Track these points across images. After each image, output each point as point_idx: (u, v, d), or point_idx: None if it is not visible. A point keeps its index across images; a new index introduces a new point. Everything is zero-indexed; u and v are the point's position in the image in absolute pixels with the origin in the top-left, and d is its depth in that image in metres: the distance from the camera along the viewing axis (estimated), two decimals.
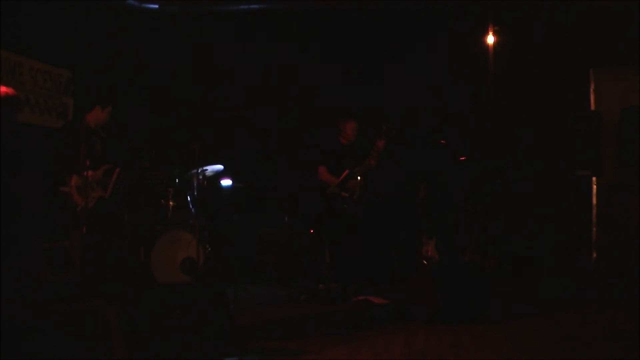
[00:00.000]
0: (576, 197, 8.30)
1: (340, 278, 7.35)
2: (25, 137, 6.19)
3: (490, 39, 8.70)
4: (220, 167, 7.31)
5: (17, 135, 5.66)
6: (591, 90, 8.45)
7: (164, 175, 6.79)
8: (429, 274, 7.01)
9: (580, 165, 8.16)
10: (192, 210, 7.19)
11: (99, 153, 6.55)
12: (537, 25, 8.48)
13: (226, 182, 7.48)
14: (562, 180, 8.38)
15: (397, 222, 8.46)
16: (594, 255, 8.30)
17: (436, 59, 8.60)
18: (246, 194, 7.71)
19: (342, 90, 8.75)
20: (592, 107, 8.43)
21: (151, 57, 8.77)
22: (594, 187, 8.40)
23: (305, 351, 5.54)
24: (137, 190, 6.63)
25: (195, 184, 7.08)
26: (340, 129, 7.68)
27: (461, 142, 8.13)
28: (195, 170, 6.96)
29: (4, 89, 5.75)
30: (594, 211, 8.39)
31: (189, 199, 7.23)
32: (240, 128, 8.48)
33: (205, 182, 7.21)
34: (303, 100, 8.89)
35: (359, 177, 7.43)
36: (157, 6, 8.76)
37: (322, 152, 7.72)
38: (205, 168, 7.10)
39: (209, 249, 7.12)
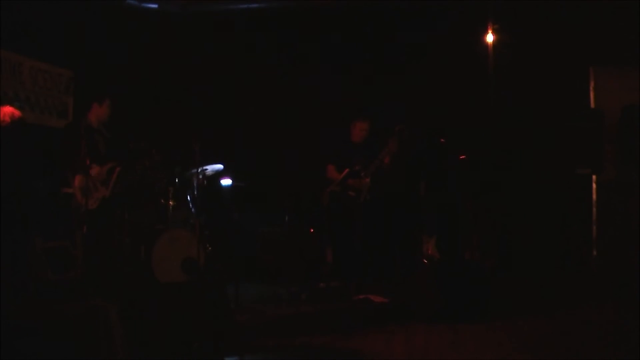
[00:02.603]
0: (576, 195, 8.30)
1: (341, 276, 7.36)
2: (25, 137, 6.20)
3: (490, 37, 8.69)
4: (220, 166, 7.31)
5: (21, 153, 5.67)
6: (591, 88, 8.45)
7: (164, 174, 6.78)
8: (430, 272, 7.01)
9: (581, 163, 8.16)
10: (193, 209, 7.18)
11: (102, 152, 6.55)
12: (537, 23, 8.47)
13: (226, 181, 7.48)
14: (563, 178, 8.37)
15: (398, 221, 8.45)
16: (594, 253, 8.31)
17: (436, 57, 8.60)
18: (246, 193, 7.69)
19: (341, 90, 8.75)
20: (592, 105, 8.44)
21: (151, 56, 8.77)
22: (594, 185, 8.40)
23: (306, 350, 5.54)
24: (137, 190, 6.63)
25: (195, 183, 7.08)
26: (350, 128, 7.69)
27: (461, 140, 8.11)
28: (195, 170, 6.96)
29: (9, 109, 5.73)
30: (594, 209, 8.40)
31: (189, 198, 7.23)
32: (240, 127, 8.48)
33: (206, 181, 7.21)
34: (304, 98, 8.89)
35: (367, 179, 7.41)
36: (156, 6, 8.76)
37: (331, 150, 7.73)
38: (205, 167, 7.10)
39: (210, 248, 7.12)
